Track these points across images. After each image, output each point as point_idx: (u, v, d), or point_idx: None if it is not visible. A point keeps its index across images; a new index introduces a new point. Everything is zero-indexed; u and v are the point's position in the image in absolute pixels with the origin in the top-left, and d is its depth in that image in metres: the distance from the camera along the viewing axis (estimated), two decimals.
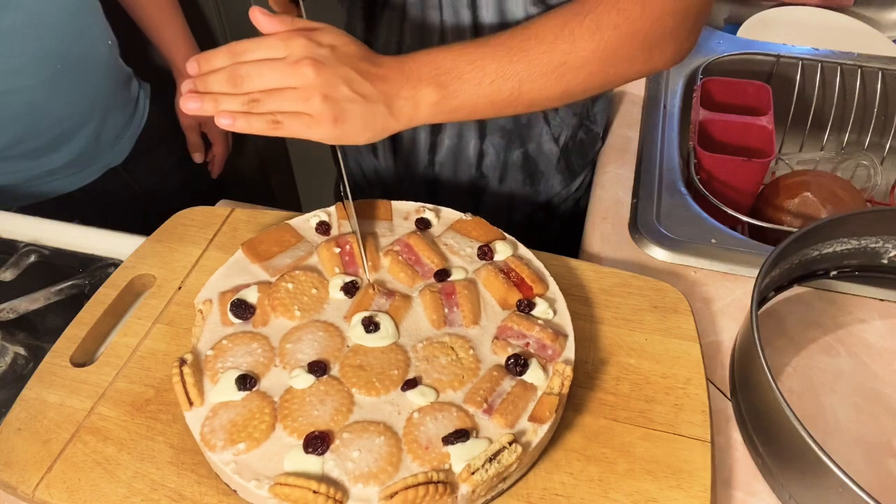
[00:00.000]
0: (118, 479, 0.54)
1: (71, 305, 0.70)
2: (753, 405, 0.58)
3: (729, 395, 0.63)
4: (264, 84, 0.56)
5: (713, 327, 0.69)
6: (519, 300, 0.62)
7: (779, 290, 0.72)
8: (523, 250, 0.67)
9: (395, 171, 0.95)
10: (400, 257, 0.65)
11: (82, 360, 0.64)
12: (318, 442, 0.52)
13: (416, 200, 0.72)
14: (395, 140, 0.91)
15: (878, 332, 0.69)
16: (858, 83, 1.00)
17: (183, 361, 0.57)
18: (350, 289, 0.63)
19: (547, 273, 0.65)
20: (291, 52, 0.56)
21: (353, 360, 0.58)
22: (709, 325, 0.69)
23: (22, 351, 0.69)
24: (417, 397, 0.55)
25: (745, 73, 1.00)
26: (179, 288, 0.68)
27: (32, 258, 0.77)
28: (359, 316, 0.60)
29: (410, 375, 0.57)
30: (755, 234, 0.89)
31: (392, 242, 0.67)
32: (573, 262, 0.70)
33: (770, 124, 0.89)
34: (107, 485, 0.54)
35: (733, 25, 1.22)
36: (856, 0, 1.19)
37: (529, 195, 0.94)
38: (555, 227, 1.00)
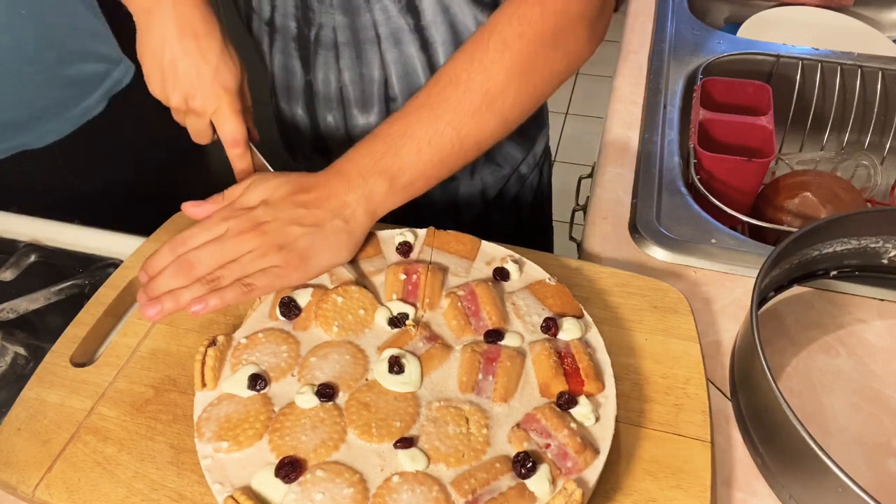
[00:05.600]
0: (118, 479, 0.54)
1: (71, 305, 0.70)
2: (753, 405, 0.58)
3: (729, 395, 0.63)
4: (216, 262, 0.56)
5: (713, 327, 0.69)
6: (561, 392, 0.54)
7: (779, 290, 0.72)
8: (594, 336, 0.60)
9: None
10: (460, 303, 0.60)
11: (82, 360, 0.64)
12: (289, 469, 0.50)
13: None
14: None
15: (878, 332, 0.69)
16: (858, 83, 1.00)
17: (212, 342, 0.57)
18: (396, 321, 0.60)
19: (610, 371, 0.57)
20: (230, 227, 0.57)
21: (363, 395, 0.55)
22: (709, 325, 0.69)
23: (22, 351, 0.69)
24: (406, 459, 0.51)
25: (745, 73, 1.00)
26: None
27: (32, 258, 0.78)
28: (389, 352, 0.57)
29: (410, 433, 0.53)
30: (755, 234, 0.89)
31: (459, 285, 0.62)
32: (573, 261, 0.70)
33: (770, 124, 0.89)
34: (107, 485, 0.54)
35: (733, 25, 1.22)
36: (856, 0, 1.19)
37: (495, 175, 0.94)
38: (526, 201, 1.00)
